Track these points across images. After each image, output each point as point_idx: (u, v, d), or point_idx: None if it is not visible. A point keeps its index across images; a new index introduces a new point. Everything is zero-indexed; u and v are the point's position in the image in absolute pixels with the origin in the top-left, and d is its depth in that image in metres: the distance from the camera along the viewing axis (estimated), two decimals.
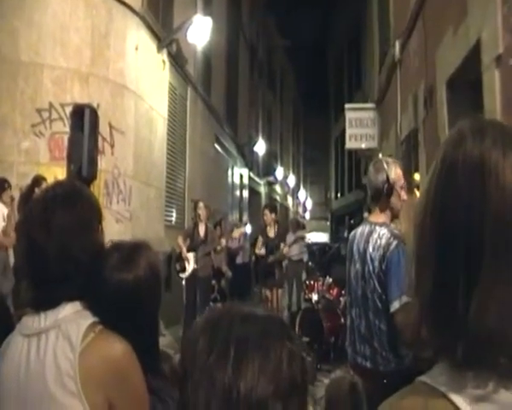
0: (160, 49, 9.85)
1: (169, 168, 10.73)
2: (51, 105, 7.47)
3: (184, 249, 8.45)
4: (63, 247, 1.50)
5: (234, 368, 0.81)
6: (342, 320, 7.37)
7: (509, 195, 0.77)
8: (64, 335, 1.43)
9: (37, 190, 5.49)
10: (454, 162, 0.82)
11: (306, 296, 9.35)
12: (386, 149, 10.96)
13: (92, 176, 5.00)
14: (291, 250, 10.50)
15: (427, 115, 6.77)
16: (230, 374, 0.80)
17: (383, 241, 2.87)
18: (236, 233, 11.31)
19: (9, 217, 5.88)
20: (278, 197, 34.09)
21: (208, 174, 14.26)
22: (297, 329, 7.74)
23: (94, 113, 5.11)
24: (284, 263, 10.18)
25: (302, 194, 49.33)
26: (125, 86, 8.41)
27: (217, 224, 10.94)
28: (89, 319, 1.48)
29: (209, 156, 14.68)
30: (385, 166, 3.02)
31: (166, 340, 8.04)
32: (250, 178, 23.34)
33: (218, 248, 9.06)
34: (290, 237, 10.51)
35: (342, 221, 32.77)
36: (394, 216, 3.09)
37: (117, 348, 1.46)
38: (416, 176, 7.71)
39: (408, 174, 5.85)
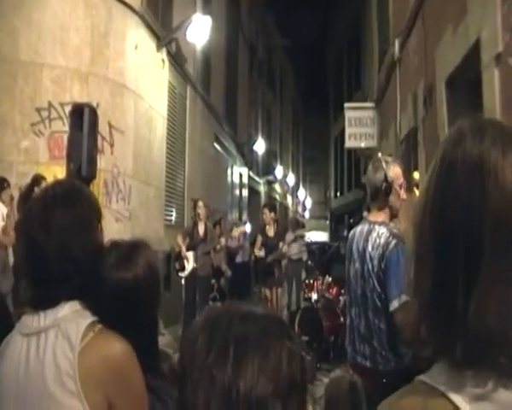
0: (159, 48, 9.85)
1: (168, 167, 10.73)
2: (51, 104, 7.47)
3: (184, 248, 8.45)
4: (63, 246, 1.50)
5: (233, 367, 0.80)
6: (342, 319, 7.37)
7: (508, 194, 0.77)
8: (63, 334, 1.43)
9: (36, 190, 5.49)
10: (453, 161, 0.82)
11: (306, 295, 9.35)
12: (386, 148, 10.95)
13: (92, 175, 5.00)
14: (290, 249, 10.50)
15: (426, 114, 6.77)
16: (230, 373, 0.80)
17: (382, 240, 2.87)
18: (236, 232, 11.31)
19: (9, 216, 5.88)
20: (278, 196, 34.10)
21: (208, 173, 14.26)
22: (296, 328, 7.74)
23: (93, 112, 5.10)
24: (284, 262, 10.18)
25: (301, 193, 49.35)
26: (124, 85, 8.41)
27: (216, 223, 10.94)
28: (88, 318, 1.48)
29: (208, 155, 14.68)
30: (383, 164, 3.02)
31: (166, 339, 8.04)
32: (249, 177, 23.34)
33: (218, 247, 9.06)
34: (289, 236, 10.51)
35: (342, 220, 32.78)
36: (393, 215, 3.09)
37: (116, 347, 1.45)
38: (416, 175, 7.71)
39: (407, 173, 5.85)
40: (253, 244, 9.52)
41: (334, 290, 8.63)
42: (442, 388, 0.78)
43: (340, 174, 34.04)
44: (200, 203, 8.74)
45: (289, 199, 41.63)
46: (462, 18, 4.91)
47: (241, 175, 21.31)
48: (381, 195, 3.02)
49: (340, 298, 8.13)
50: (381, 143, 12.52)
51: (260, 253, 8.68)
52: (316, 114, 44.73)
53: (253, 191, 24.97)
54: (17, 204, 6.03)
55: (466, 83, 5.27)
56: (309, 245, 16.38)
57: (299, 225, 12.44)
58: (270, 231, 8.84)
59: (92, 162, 5.00)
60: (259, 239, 8.91)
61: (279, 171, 30.62)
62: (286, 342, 0.86)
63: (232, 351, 0.81)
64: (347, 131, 13.47)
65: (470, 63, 4.70)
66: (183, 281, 8.52)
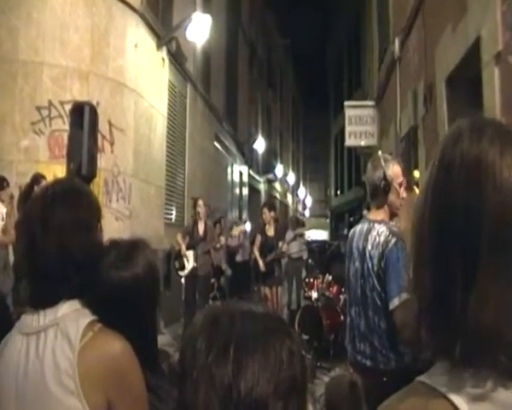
0: (159, 46, 9.84)
1: (168, 166, 10.73)
2: (51, 103, 7.46)
3: (184, 247, 8.45)
4: (62, 245, 1.50)
5: (234, 367, 0.80)
6: (342, 318, 7.38)
7: (506, 194, 0.77)
8: (63, 333, 1.43)
9: (36, 189, 5.49)
10: (451, 161, 0.82)
11: (306, 294, 9.34)
12: (386, 147, 10.95)
13: (92, 174, 4.99)
14: (290, 248, 10.50)
15: (426, 112, 6.77)
16: (230, 373, 0.80)
17: (382, 238, 2.87)
18: (236, 231, 11.33)
19: (9, 215, 5.88)
20: (278, 195, 34.10)
21: (208, 172, 14.26)
22: (296, 327, 7.75)
23: (93, 111, 5.09)
24: (284, 261, 10.18)
25: (302, 191, 49.38)
26: (124, 84, 8.41)
27: (216, 222, 10.95)
28: (88, 317, 1.48)
29: (209, 154, 14.68)
30: (382, 163, 3.02)
31: (165, 338, 8.05)
32: (250, 175, 23.33)
33: (218, 245, 9.06)
34: (289, 235, 10.51)
35: (342, 219, 32.81)
36: (393, 214, 3.09)
37: (116, 346, 1.45)
38: (416, 173, 7.71)
39: (407, 171, 5.85)
40: (252, 243, 9.51)
41: (335, 289, 8.62)
42: (443, 389, 0.77)
43: (340, 172, 34.06)
44: (201, 202, 8.74)
45: (289, 197, 41.65)
46: (462, 16, 4.91)
47: (241, 174, 21.30)
48: (380, 193, 3.02)
49: (341, 297, 8.13)
50: (381, 141, 12.52)
51: (260, 262, 8.63)
52: (316, 112, 44.77)
53: (253, 190, 24.97)
54: (17, 203, 6.02)
55: (466, 81, 5.27)
56: (309, 244, 16.38)
57: (300, 223, 12.43)
58: (270, 231, 8.83)
59: (92, 161, 4.99)
60: (258, 239, 8.90)
61: (279, 169, 30.64)
62: (286, 341, 0.85)
63: (232, 351, 0.81)
64: (347, 129, 13.47)
65: (470, 61, 4.69)
66: (182, 280, 8.53)
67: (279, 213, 19.79)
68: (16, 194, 6.20)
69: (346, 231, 23.08)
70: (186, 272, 8.38)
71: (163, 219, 10.32)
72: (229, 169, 18.73)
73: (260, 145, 23.16)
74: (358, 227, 3.15)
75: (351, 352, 3.08)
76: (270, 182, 30.01)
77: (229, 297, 10.19)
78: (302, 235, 12.05)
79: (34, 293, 1.53)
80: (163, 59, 10.17)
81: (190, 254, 8.40)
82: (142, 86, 8.99)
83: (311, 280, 9.20)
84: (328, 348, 7.41)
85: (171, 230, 10.16)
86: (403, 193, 3.06)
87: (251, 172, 23.59)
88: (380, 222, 2.98)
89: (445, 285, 0.79)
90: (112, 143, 8.01)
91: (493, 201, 0.77)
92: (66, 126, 5.97)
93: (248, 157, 22.40)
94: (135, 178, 8.69)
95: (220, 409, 0.79)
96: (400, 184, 3.05)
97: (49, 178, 5.80)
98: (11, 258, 5.87)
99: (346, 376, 3.35)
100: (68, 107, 6.04)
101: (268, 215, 8.82)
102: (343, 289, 7.80)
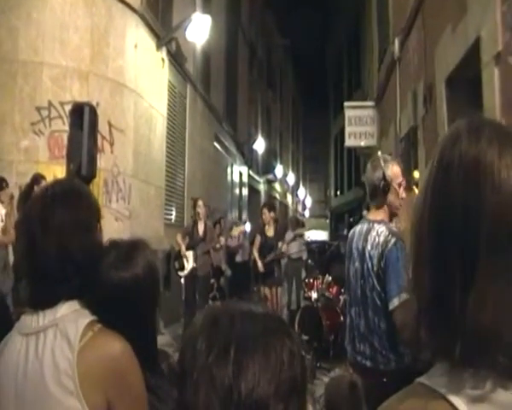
0: (159, 47, 9.84)
1: (168, 166, 10.73)
2: (50, 103, 7.46)
3: (183, 247, 8.45)
4: (62, 245, 1.50)
5: (234, 368, 0.79)
6: (342, 318, 7.37)
7: (504, 194, 0.77)
8: (62, 334, 1.43)
9: (36, 189, 5.49)
10: (450, 162, 0.82)
11: (306, 295, 9.34)
12: (386, 147, 10.95)
13: (91, 174, 4.99)
14: (290, 248, 10.50)
15: (426, 113, 6.77)
16: (231, 374, 0.79)
17: (381, 238, 2.87)
18: (236, 231, 11.34)
19: (8, 215, 5.88)
20: (278, 195, 34.11)
21: (208, 172, 14.26)
22: (296, 327, 7.75)
23: (93, 111, 5.09)
24: (283, 261, 10.17)
25: (301, 192, 49.38)
26: (124, 85, 8.41)
27: (216, 222, 10.95)
28: (87, 317, 1.48)
29: (208, 154, 14.68)
30: (382, 163, 3.02)
31: (165, 338, 8.05)
32: (249, 176, 23.33)
33: (217, 246, 9.06)
34: (289, 235, 10.52)
35: (342, 219, 32.82)
36: (393, 214, 3.09)
37: (116, 346, 1.45)
38: (416, 173, 7.71)
39: (407, 172, 5.85)
40: (252, 243, 9.52)
41: (334, 289, 8.62)
42: (442, 390, 0.77)
43: (340, 173, 34.07)
44: (200, 202, 8.74)
45: (289, 198, 41.65)
46: (461, 17, 4.91)
47: (240, 174, 21.30)
48: (380, 193, 3.02)
49: (340, 297, 8.13)
50: (380, 141, 12.52)
51: (259, 263, 8.64)
52: (316, 112, 44.78)
53: (253, 190, 24.97)
54: (17, 203, 6.03)
55: (466, 82, 5.27)
56: (309, 244, 16.37)
57: (299, 224, 12.43)
58: (270, 231, 8.83)
59: (92, 161, 4.99)
60: (258, 239, 8.89)
61: (279, 170, 30.64)
62: (286, 341, 0.85)
63: (233, 351, 0.81)
64: (347, 129, 13.47)
65: (470, 62, 4.69)
66: (182, 280, 8.53)
67: (279, 213, 19.78)
68: (16, 194, 6.20)
69: (345, 232, 23.07)
70: (186, 272, 8.38)
71: (163, 220, 10.33)
72: (228, 169, 18.73)
73: (260, 146, 23.16)
74: (358, 227, 3.15)
75: (351, 352, 3.08)
76: (269, 182, 30.01)
77: (229, 298, 10.20)
78: (302, 235, 12.05)
79: (34, 293, 1.53)
80: (163, 59, 10.17)
81: (190, 254, 8.40)
82: (141, 87, 8.99)
83: (311, 281, 9.19)
84: (327, 349, 7.41)
85: (171, 230, 10.17)
86: (402, 193, 3.06)
87: (251, 172, 23.59)
88: (379, 222, 2.99)
89: (444, 286, 0.79)
90: (111, 144, 8.01)
91: (492, 201, 0.77)
92: (66, 127, 5.98)
93: (248, 157, 22.40)
94: (135, 178, 8.69)
95: None
96: (399, 185, 3.05)
97: (49, 178, 5.80)
98: (11, 258, 5.87)
99: (345, 376, 3.35)
100: (68, 107, 6.04)
101: (268, 216, 8.82)
102: (343, 290, 7.79)
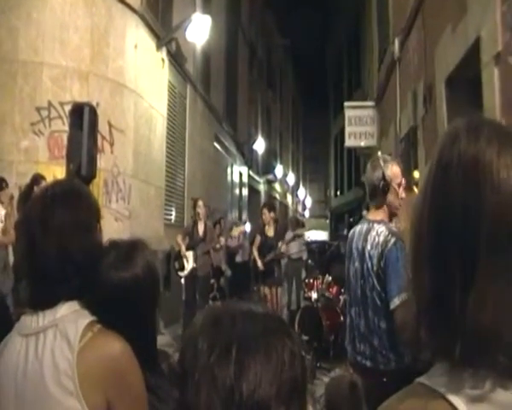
0: (159, 47, 9.84)
1: (168, 167, 10.73)
2: (50, 104, 7.46)
3: (183, 248, 8.45)
4: (62, 246, 1.50)
5: (236, 368, 0.79)
6: (342, 318, 7.37)
7: (504, 195, 0.77)
8: (62, 334, 1.43)
9: (36, 189, 5.49)
10: (449, 162, 0.82)
11: (306, 295, 9.34)
12: (386, 147, 10.95)
13: (91, 175, 4.99)
14: (290, 248, 10.50)
15: (426, 113, 6.77)
16: (232, 375, 0.79)
17: (381, 238, 2.87)
18: (236, 232, 11.34)
19: (8, 216, 5.88)
20: (278, 195, 34.11)
21: (208, 172, 14.26)
22: (296, 327, 7.75)
23: (93, 111, 5.09)
24: (283, 261, 10.17)
25: (301, 192, 49.38)
26: (124, 85, 8.41)
27: (216, 222, 10.95)
28: (87, 318, 1.48)
29: (208, 155, 14.68)
30: (381, 163, 3.03)
31: (165, 339, 8.05)
32: (249, 176, 23.33)
33: (217, 246, 9.06)
34: (289, 235, 10.52)
35: (342, 219, 32.82)
36: (392, 214, 3.09)
37: (115, 346, 1.45)
38: (416, 173, 7.71)
39: (407, 172, 5.85)
40: (252, 243, 9.52)
41: (334, 290, 8.62)
42: (442, 390, 0.77)
43: (340, 173, 34.07)
44: (200, 203, 8.74)
45: (289, 198, 41.64)
46: (461, 17, 4.91)
47: (240, 174, 21.30)
48: (379, 193, 3.02)
49: (340, 297, 8.13)
50: (380, 141, 12.52)
51: (258, 262, 8.65)
52: (316, 112, 44.78)
53: (253, 190, 24.97)
54: (17, 204, 6.02)
55: (466, 82, 5.27)
56: (309, 244, 16.37)
57: (299, 224, 12.43)
58: (270, 231, 8.83)
59: (92, 162, 4.98)
60: (258, 239, 8.90)
61: (279, 170, 30.64)
62: (287, 341, 0.85)
63: (235, 352, 0.80)
64: (347, 129, 13.47)
65: (470, 62, 4.69)
66: (182, 280, 8.53)
67: (279, 213, 19.79)
68: (16, 194, 6.20)
69: (345, 232, 23.07)
70: (186, 272, 8.38)
71: (163, 220, 10.32)
72: (228, 170, 18.73)
73: (260, 146, 23.16)
74: (358, 227, 3.15)
75: (351, 352, 3.08)
76: (269, 182, 30.01)
77: (229, 298, 10.20)
78: (302, 235, 12.05)
79: (34, 294, 1.53)
80: (163, 60, 10.17)
81: (190, 254, 8.41)
82: (141, 87, 8.99)
83: (311, 281, 9.19)
84: (327, 349, 7.41)
85: (171, 230, 10.17)
86: (402, 193, 3.06)
87: (251, 172, 23.59)
88: (379, 222, 2.99)
89: (443, 286, 0.79)
90: (111, 144, 8.01)
91: (491, 201, 0.77)
92: (66, 127, 5.98)
93: (248, 158, 22.40)
94: (134, 178, 8.68)
95: None
96: (399, 185, 3.05)
97: (49, 178, 5.80)
98: (11, 258, 5.87)
99: (346, 376, 3.35)
100: (68, 107, 6.03)
101: (268, 216, 8.82)
102: (343, 290, 7.79)
